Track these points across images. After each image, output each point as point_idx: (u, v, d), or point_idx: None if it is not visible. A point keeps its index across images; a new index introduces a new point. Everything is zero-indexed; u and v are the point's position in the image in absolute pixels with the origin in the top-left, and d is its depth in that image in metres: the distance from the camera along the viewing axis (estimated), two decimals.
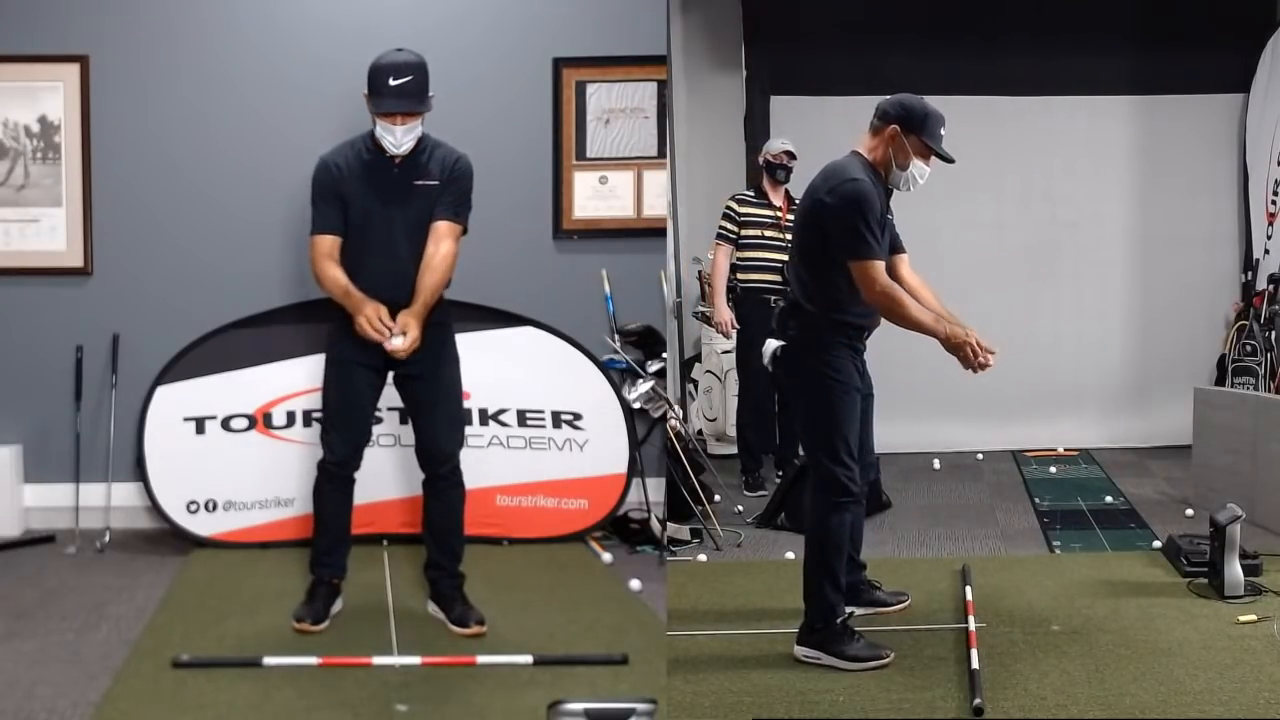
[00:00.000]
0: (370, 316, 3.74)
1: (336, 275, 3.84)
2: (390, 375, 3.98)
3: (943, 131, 3.51)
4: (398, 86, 3.73)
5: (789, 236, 5.74)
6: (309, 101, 5.01)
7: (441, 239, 3.87)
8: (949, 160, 3.54)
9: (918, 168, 3.51)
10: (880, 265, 3.41)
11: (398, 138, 3.76)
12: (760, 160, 5.92)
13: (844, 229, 3.40)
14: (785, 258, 5.69)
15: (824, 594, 3.50)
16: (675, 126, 6.24)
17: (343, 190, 3.85)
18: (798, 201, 5.83)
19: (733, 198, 5.89)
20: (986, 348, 3.51)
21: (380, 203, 3.84)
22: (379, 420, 4.83)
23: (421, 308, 3.80)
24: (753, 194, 5.89)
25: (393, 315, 3.78)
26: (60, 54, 5.12)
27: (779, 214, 5.81)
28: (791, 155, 5.86)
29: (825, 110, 6.64)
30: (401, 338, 3.75)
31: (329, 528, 4.03)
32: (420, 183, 3.85)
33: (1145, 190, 6.96)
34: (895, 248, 3.71)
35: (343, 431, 3.95)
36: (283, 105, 5.14)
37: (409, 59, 3.79)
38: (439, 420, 3.98)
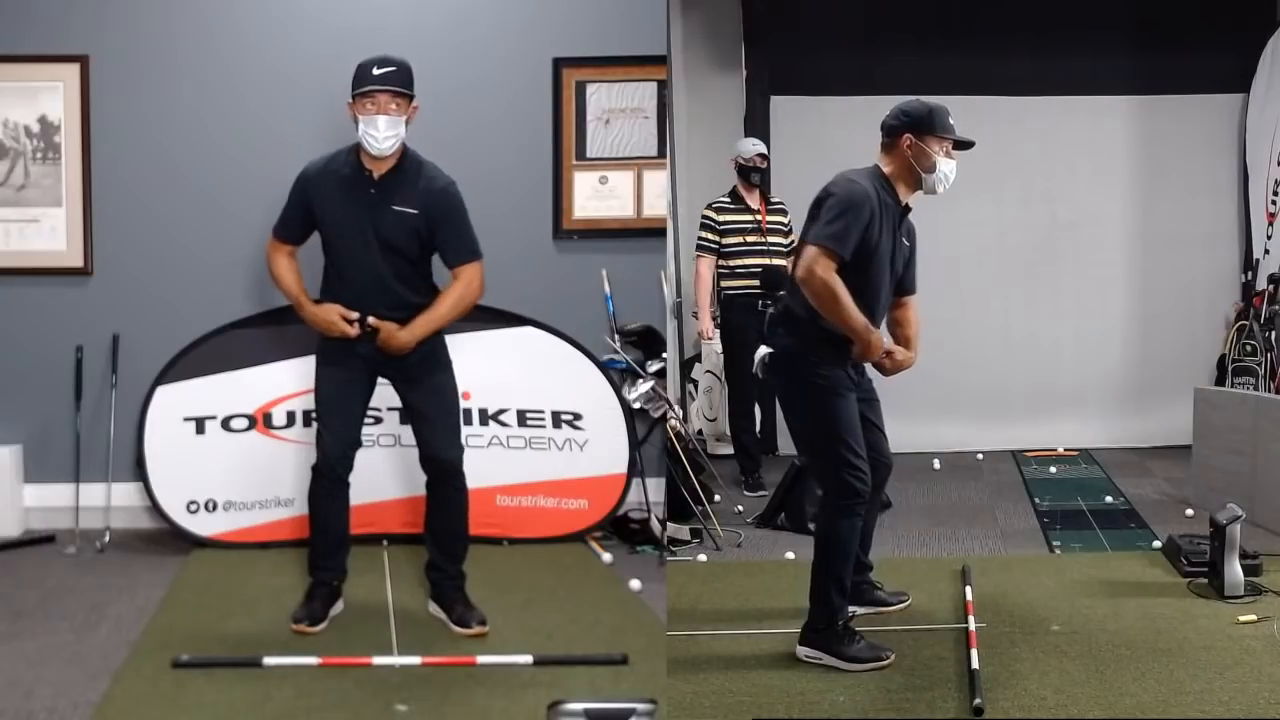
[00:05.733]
0: (332, 319, 3.81)
1: (291, 280, 3.94)
2: (389, 382, 3.99)
3: (952, 120, 3.53)
4: (382, 74, 3.73)
5: (771, 240, 5.77)
6: (309, 102, 5.01)
7: (461, 278, 3.90)
8: (969, 144, 3.55)
9: (944, 165, 3.51)
10: (833, 263, 3.37)
11: (380, 130, 3.70)
12: (733, 164, 5.89)
13: (823, 214, 3.41)
14: (767, 261, 5.71)
15: (829, 598, 3.50)
16: (675, 126, 6.23)
17: (314, 204, 3.86)
18: (774, 203, 5.88)
19: (710, 206, 5.85)
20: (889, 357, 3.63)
21: (355, 221, 3.81)
22: (379, 420, 4.86)
23: (418, 327, 3.83)
24: (729, 200, 5.85)
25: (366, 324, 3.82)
26: (60, 54, 5.13)
27: (758, 218, 5.79)
28: (764, 157, 5.85)
29: (825, 110, 6.65)
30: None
31: (327, 532, 4.03)
32: (399, 208, 3.81)
33: (1145, 190, 6.95)
34: (904, 287, 3.72)
35: (335, 431, 3.94)
36: (283, 105, 5.14)
37: (395, 56, 3.80)
38: (440, 428, 3.97)
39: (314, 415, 4.06)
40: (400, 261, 3.85)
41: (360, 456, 4.01)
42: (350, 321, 3.82)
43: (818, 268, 3.36)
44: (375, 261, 3.82)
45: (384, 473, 4.90)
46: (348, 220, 3.82)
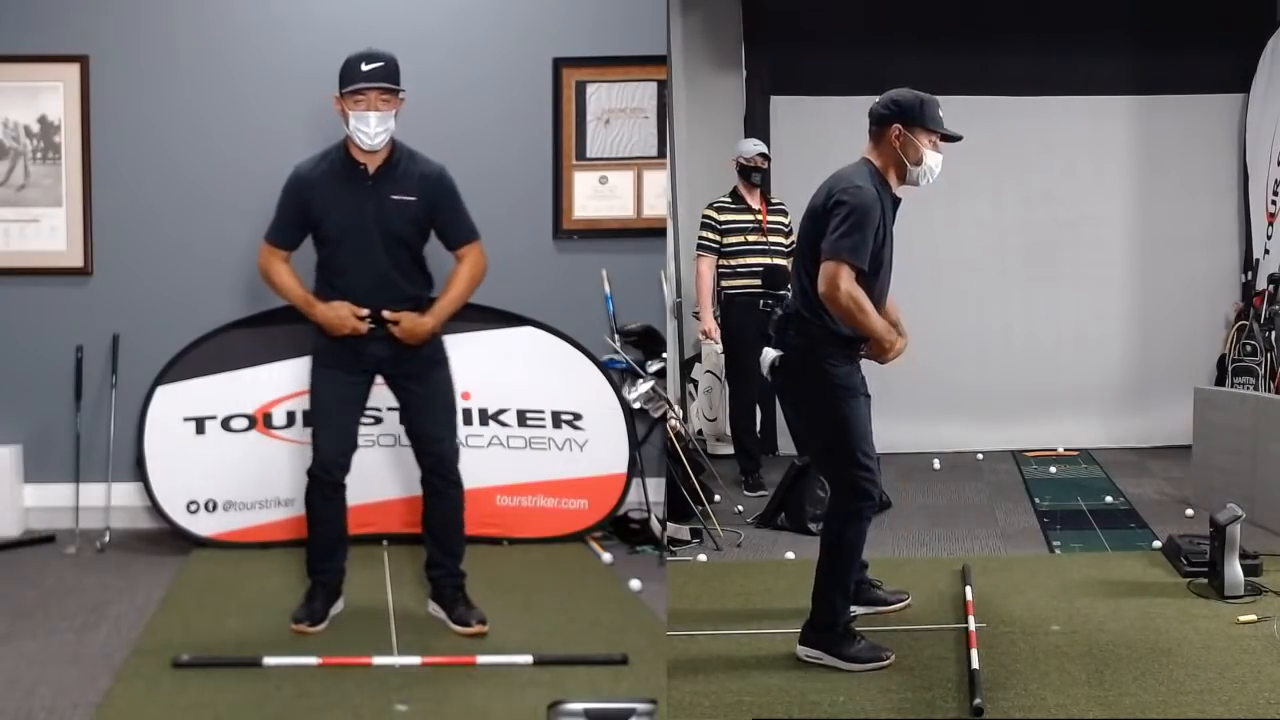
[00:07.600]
0: (344, 316, 3.78)
1: (293, 283, 3.90)
2: (383, 379, 3.98)
3: (941, 113, 3.50)
4: (371, 70, 3.73)
5: (772, 239, 5.77)
6: (309, 101, 4.99)
7: (467, 258, 3.95)
8: (957, 138, 3.52)
9: (931, 158, 3.48)
10: (852, 273, 3.33)
11: (371, 127, 3.71)
12: (734, 164, 5.89)
13: (835, 226, 3.35)
14: (769, 261, 5.72)
15: (831, 601, 3.49)
16: (675, 126, 6.23)
17: (312, 206, 3.84)
18: (774, 203, 5.88)
19: (711, 206, 5.86)
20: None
21: (356, 216, 3.81)
22: (379, 420, 4.86)
23: (440, 311, 3.86)
24: (730, 200, 5.86)
25: (378, 319, 3.81)
26: (60, 54, 5.13)
27: (759, 218, 5.79)
28: (765, 157, 5.85)
29: (825, 110, 6.64)
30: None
31: (324, 535, 4.02)
32: (396, 197, 3.81)
33: (1145, 190, 6.95)
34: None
35: (333, 435, 3.92)
36: (283, 105, 5.14)
37: (382, 51, 3.80)
38: (438, 423, 3.97)
39: (309, 418, 4.04)
40: (402, 252, 3.86)
41: (360, 456, 4.00)
42: (361, 318, 3.81)
43: (842, 283, 3.31)
44: (378, 255, 3.82)
45: (384, 473, 4.91)
46: (349, 216, 3.82)
